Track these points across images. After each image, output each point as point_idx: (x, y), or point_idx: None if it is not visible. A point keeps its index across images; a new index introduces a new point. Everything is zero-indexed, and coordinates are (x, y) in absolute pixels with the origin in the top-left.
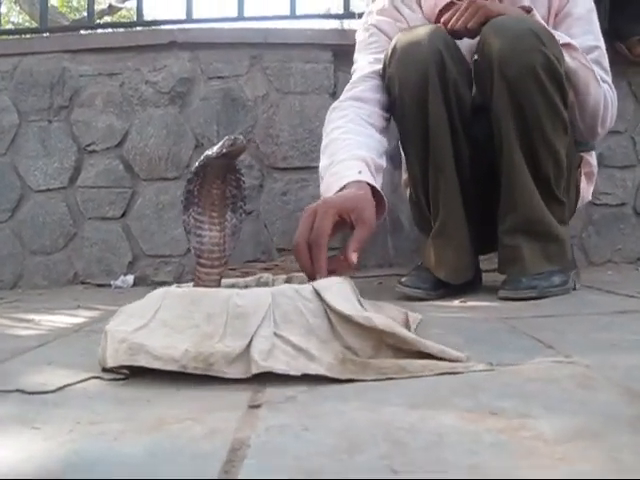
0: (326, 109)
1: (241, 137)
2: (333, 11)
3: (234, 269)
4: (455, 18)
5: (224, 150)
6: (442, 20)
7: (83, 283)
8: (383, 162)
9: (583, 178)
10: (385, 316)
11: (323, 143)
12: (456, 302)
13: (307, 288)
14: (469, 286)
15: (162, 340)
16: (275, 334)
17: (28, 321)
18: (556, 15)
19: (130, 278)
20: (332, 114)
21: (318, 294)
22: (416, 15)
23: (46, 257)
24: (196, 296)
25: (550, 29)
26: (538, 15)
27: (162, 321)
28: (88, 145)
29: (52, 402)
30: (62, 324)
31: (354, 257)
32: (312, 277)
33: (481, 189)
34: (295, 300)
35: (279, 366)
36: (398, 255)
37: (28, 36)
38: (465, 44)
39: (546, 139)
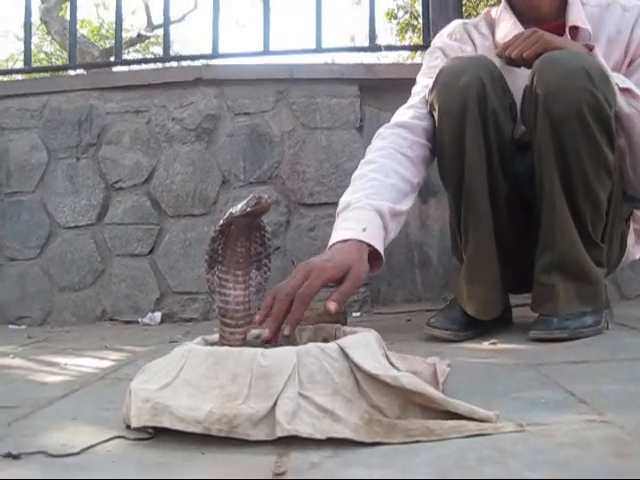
0: (353, 144)
1: (265, 196)
2: (357, 40)
3: (260, 308)
4: (513, 46)
5: (248, 209)
6: (503, 46)
7: (111, 320)
8: (404, 205)
9: (632, 234)
10: (412, 371)
11: (355, 172)
12: (486, 344)
13: (333, 347)
14: (499, 324)
15: (186, 400)
16: (300, 394)
17: (54, 365)
18: (632, 61)
19: (157, 315)
20: (374, 141)
21: (344, 352)
22: (486, 42)
23: (74, 294)
24: (220, 356)
25: (607, 70)
26: (599, 54)
27: (186, 380)
28: (115, 182)
29: (75, 466)
30: (88, 369)
31: (332, 306)
32: (277, 326)
33: (518, 226)
34: (321, 359)
35: (304, 429)
36: (427, 290)
37: (57, 74)
38: (527, 74)
39: (586, 182)
